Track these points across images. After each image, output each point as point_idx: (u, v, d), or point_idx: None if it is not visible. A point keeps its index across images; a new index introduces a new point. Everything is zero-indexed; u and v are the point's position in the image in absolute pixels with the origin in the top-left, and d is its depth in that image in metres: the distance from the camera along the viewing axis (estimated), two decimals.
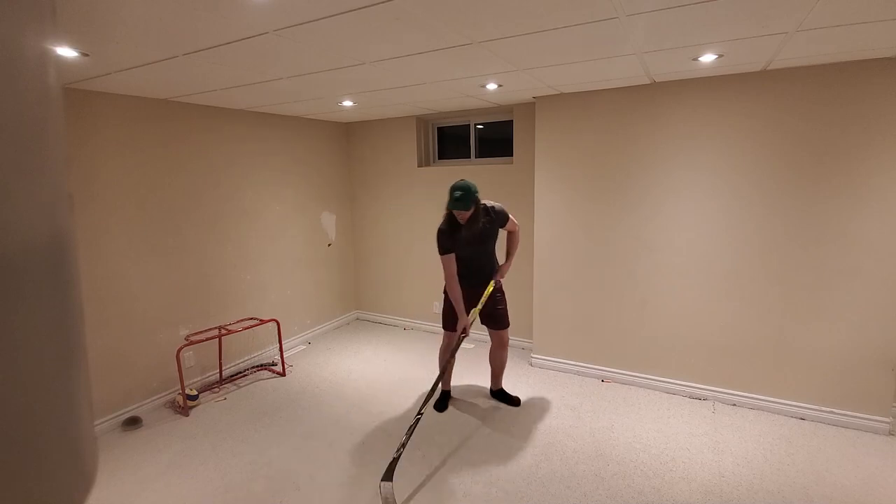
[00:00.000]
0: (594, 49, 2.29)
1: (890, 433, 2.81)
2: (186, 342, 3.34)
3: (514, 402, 3.29)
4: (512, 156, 4.17)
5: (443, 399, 3.28)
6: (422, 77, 2.80)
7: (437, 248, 2.83)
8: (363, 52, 2.23)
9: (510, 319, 3.14)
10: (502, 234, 3.05)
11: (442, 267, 2.86)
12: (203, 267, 3.61)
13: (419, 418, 2.63)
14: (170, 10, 1.64)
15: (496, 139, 4.41)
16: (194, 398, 3.34)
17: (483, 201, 2.84)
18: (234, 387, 3.65)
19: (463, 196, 2.66)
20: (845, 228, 2.77)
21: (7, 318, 0.34)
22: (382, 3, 1.62)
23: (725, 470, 2.52)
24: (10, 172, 0.34)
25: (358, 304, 5.36)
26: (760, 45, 2.27)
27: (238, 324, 3.77)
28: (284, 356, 4.06)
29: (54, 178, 0.40)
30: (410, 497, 2.35)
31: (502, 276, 3.05)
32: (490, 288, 2.98)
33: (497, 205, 2.91)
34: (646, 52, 2.36)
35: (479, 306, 2.96)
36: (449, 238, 2.79)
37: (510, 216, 2.94)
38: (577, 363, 3.73)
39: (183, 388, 3.24)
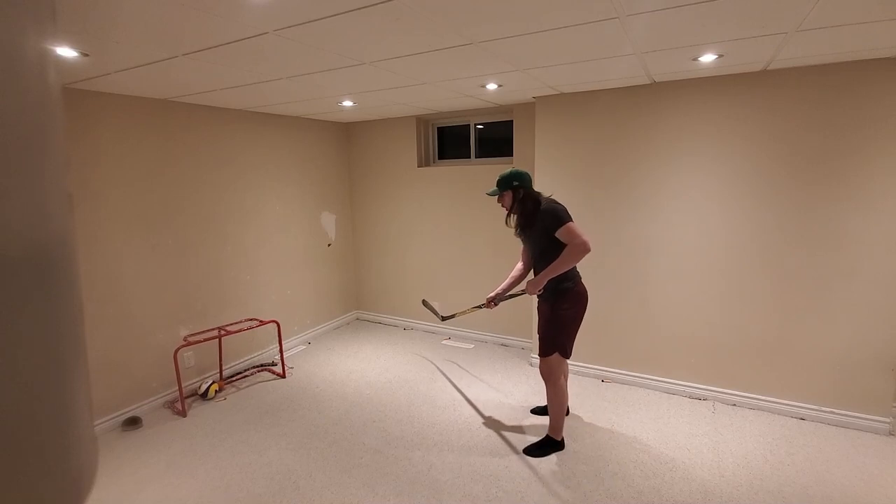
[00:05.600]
0: (594, 49, 2.29)
1: (890, 433, 2.81)
2: (185, 343, 3.34)
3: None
4: (512, 156, 4.17)
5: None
6: (422, 77, 2.80)
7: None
8: (363, 52, 2.23)
9: (550, 348, 2.57)
10: None
11: None
12: (203, 267, 3.61)
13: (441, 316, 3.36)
14: (170, 10, 1.64)
15: (496, 139, 4.41)
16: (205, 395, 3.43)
17: (544, 197, 2.54)
18: (234, 388, 3.65)
19: (501, 179, 2.54)
20: (845, 229, 2.77)
21: (7, 318, 0.34)
22: (382, 3, 1.62)
23: (725, 470, 2.52)
24: (11, 172, 0.34)
25: (358, 304, 5.36)
26: (760, 45, 2.27)
27: (238, 324, 3.77)
28: (284, 356, 4.06)
29: (54, 178, 0.40)
30: (410, 498, 2.35)
31: (529, 291, 2.55)
32: (515, 292, 2.80)
33: (552, 205, 2.47)
34: (646, 52, 2.36)
35: (509, 295, 2.84)
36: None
37: (566, 226, 2.38)
38: (577, 363, 3.72)
39: (181, 389, 3.24)
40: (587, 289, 2.60)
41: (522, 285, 2.70)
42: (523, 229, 2.59)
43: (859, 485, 2.38)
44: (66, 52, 2.07)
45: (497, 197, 2.62)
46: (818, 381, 2.96)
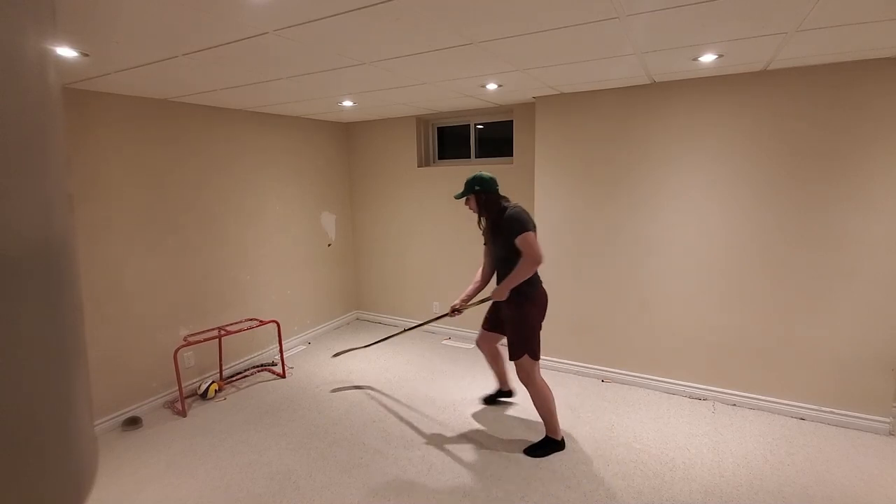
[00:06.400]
0: (594, 49, 2.29)
1: (890, 433, 2.81)
2: (185, 343, 3.34)
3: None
4: (512, 156, 4.17)
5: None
6: (422, 77, 2.80)
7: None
8: (363, 52, 2.23)
9: (519, 351, 2.60)
10: None
11: None
12: (203, 267, 3.61)
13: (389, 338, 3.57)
14: (170, 10, 1.64)
15: (496, 139, 4.41)
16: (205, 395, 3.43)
17: (508, 203, 2.61)
18: (234, 388, 3.65)
19: (465, 183, 2.64)
20: (845, 229, 2.77)
21: (7, 318, 0.34)
22: (382, 3, 1.62)
23: (725, 470, 2.52)
24: (11, 172, 0.34)
25: (358, 304, 5.36)
26: (760, 45, 2.27)
27: (238, 324, 3.77)
28: (284, 356, 4.06)
29: (54, 178, 0.40)
30: (410, 498, 2.35)
31: (495, 298, 2.62)
32: (480, 297, 2.84)
33: (515, 212, 2.53)
34: (646, 52, 2.36)
35: (472, 303, 2.85)
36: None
37: (525, 235, 2.46)
38: (577, 363, 3.72)
39: (181, 389, 3.23)
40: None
41: (487, 292, 2.76)
42: (487, 233, 2.69)
43: (859, 485, 2.38)
44: (66, 52, 2.07)
45: (464, 200, 2.71)
46: (818, 381, 2.96)
